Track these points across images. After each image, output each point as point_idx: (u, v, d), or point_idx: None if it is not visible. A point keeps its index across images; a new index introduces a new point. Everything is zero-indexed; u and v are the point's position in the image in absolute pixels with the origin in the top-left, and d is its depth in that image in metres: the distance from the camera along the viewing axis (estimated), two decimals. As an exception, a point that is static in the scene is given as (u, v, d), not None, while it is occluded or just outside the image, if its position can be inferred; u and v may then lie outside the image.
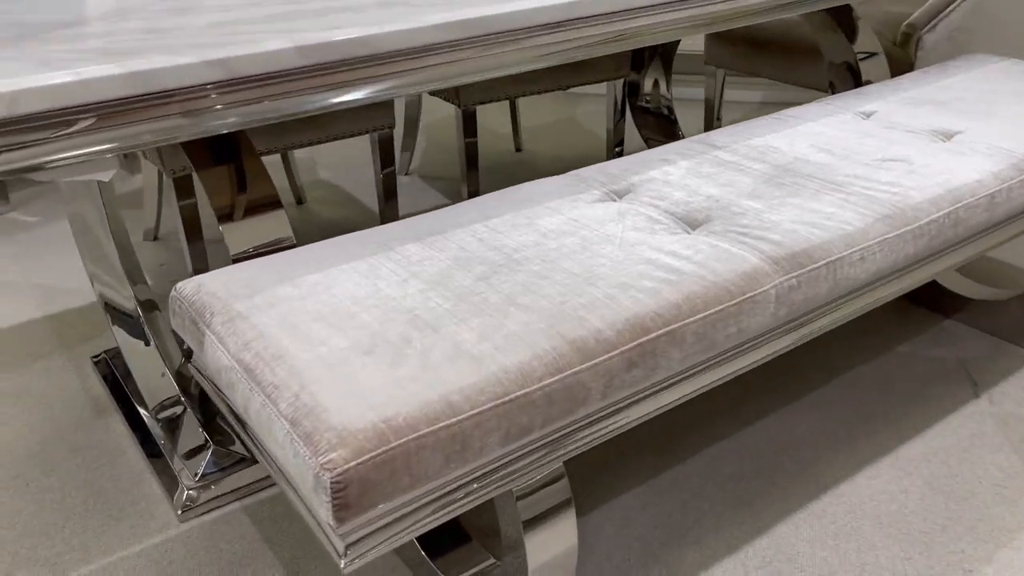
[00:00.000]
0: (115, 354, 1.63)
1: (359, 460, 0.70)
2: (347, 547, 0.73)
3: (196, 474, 1.29)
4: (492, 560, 1.11)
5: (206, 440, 1.34)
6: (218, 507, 1.28)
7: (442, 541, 1.14)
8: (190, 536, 1.23)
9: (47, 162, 0.82)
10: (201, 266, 1.66)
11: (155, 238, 2.14)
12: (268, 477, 1.31)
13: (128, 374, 1.54)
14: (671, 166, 1.20)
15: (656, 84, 2.14)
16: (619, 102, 2.13)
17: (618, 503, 1.26)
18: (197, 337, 0.91)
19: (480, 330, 0.83)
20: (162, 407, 1.43)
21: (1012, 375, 1.51)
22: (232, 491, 1.29)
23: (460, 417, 0.75)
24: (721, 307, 0.90)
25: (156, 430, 1.40)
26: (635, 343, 0.84)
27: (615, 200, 1.11)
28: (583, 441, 0.86)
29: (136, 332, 1.45)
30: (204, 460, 1.31)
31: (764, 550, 1.17)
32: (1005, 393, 1.47)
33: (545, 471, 0.87)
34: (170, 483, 1.30)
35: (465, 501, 0.79)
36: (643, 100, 2.18)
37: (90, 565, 1.18)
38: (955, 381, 1.50)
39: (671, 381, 0.90)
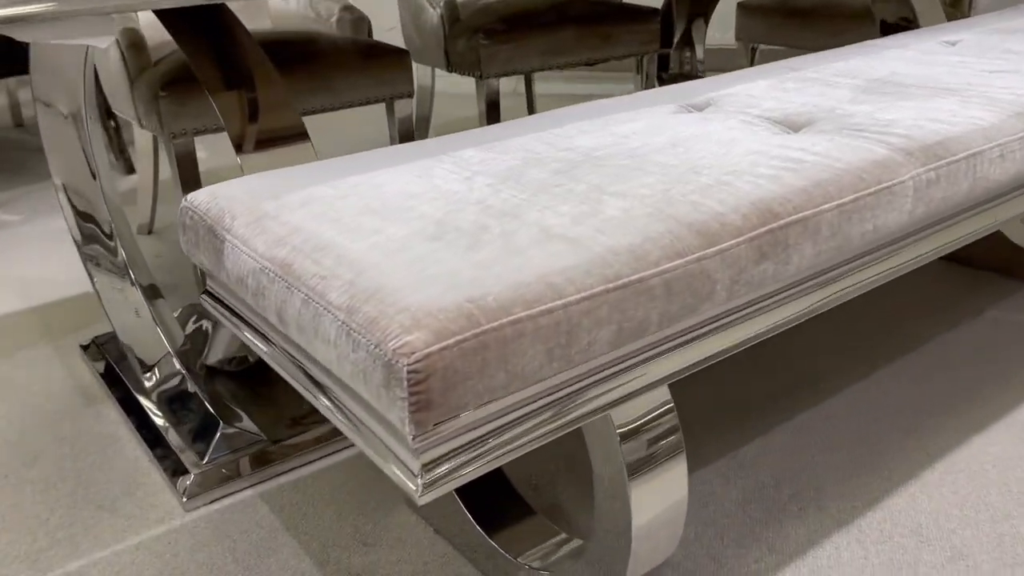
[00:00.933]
0: (107, 340, 1.44)
1: (443, 344, 0.53)
2: (424, 467, 0.55)
3: (203, 456, 1.11)
4: (564, 535, 0.93)
5: (214, 419, 1.15)
6: (230, 494, 1.09)
7: (499, 516, 0.96)
8: (197, 526, 1.04)
9: (31, 14, 0.66)
10: None
11: (149, 232, 1.97)
12: (288, 458, 1.13)
13: (122, 358, 1.36)
14: (750, 84, 1.05)
15: (687, 57, 2.01)
16: (648, 77, 1.99)
17: (696, 478, 1.08)
18: (214, 248, 0.74)
19: (572, 215, 0.67)
20: (163, 389, 1.24)
21: (1118, 338, 1.34)
22: (246, 475, 1.10)
23: (565, 301, 0.58)
24: (856, 195, 0.74)
25: (155, 413, 1.21)
26: (765, 228, 0.68)
27: (695, 111, 0.96)
28: (700, 354, 0.69)
29: (134, 313, 1.28)
30: (213, 441, 1.13)
31: (880, 524, 0.99)
32: (1117, 354, 1.30)
33: (656, 398, 0.70)
34: (173, 468, 1.12)
35: (566, 419, 0.61)
36: (673, 74, 2.05)
37: (78, 560, 0.99)
38: (1057, 345, 1.34)
39: (801, 285, 0.73)
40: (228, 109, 0.99)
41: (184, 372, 1.22)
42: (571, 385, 0.60)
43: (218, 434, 1.13)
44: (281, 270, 0.64)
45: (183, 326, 1.43)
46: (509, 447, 0.58)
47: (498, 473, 0.98)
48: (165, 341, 1.25)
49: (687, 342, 0.67)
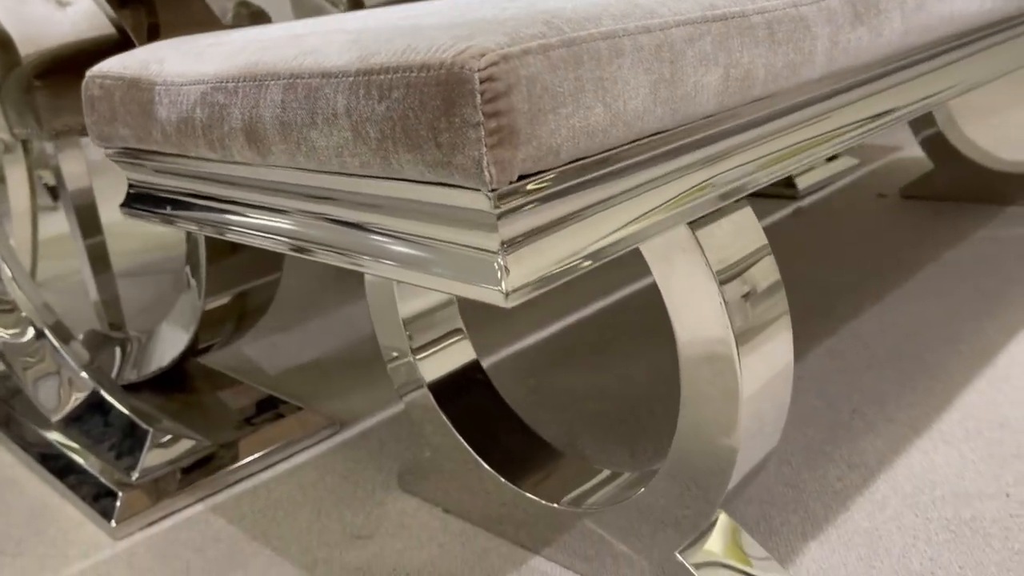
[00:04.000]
0: (-7, 380, 1.18)
1: (524, 46, 0.36)
2: (506, 245, 0.37)
3: (132, 472, 0.87)
4: (608, 471, 0.74)
5: (142, 429, 0.92)
6: (173, 512, 0.86)
7: (523, 467, 0.76)
8: (135, 553, 0.80)
9: None
10: (109, 296, 1.27)
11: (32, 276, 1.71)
12: (240, 463, 0.90)
13: (16, 393, 1.11)
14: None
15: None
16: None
17: (737, 415, 0.92)
18: (140, 104, 0.55)
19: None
20: (70, 412, 1.00)
21: (1115, 236, 1.28)
22: (190, 488, 0.87)
23: (662, 20, 0.42)
24: (931, -29, 0.62)
25: (63, 443, 0.97)
26: (854, -15, 0.54)
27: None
28: (799, 145, 0.54)
29: (28, 343, 1.04)
30: (143, 453, 0.89)
31: (963, 423, 0.85)
32: (1125, 246, 1.23)
33: (752, 237, 0.54)
34: (94, 494, 0.87)
35: (671, 196, 0.45)
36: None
37: (-26, 615, 0.74)
38: (1060, 247, 1.26)
39: (894, 72, 0.60)
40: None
41: (96, 385, 0.99)
42: (679, 135, 0.44)
43: (148, 444, 0.90)
44: (245, 74, 0.46)
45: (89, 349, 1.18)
46: (615, 232, 0.41)
47: (511, 416, 0.80)
48: (69, 359, 1.01)
49: (788, 128, 0.53)
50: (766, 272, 0.57)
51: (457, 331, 0.80)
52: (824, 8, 0.52)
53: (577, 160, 0.39)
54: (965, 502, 0.74)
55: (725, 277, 0.54)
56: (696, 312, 0.55)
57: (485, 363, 1.11)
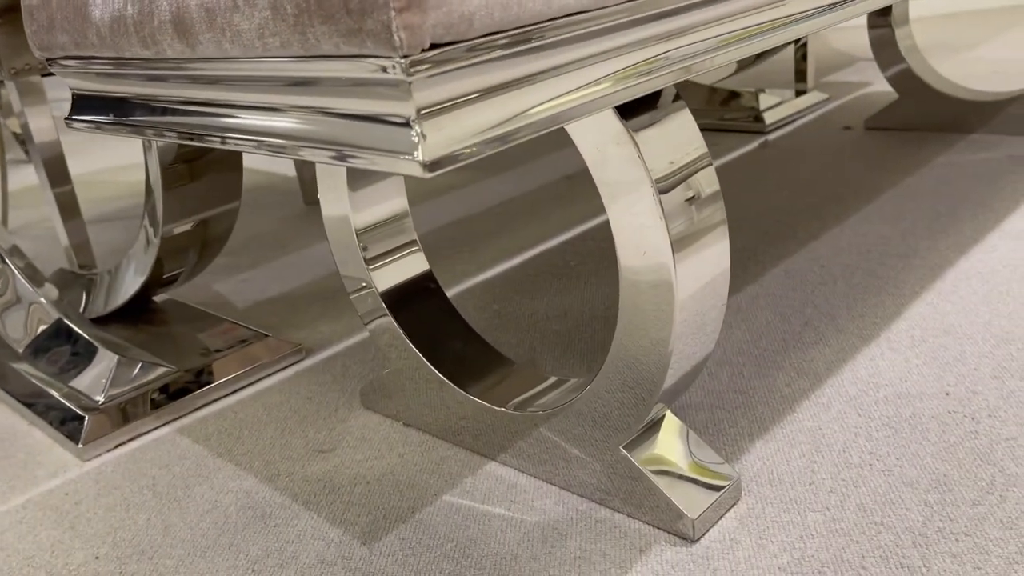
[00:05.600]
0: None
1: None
2: (422, 113, 0.38)
3: (99, 396, 0.89)
4: (555, 377, 0.76)
5: (109, 356, 0.93)
6: (140, 435, 0.88)
7: (476, 375, 0.78)
8: (103, 472, 0.82)
9: None
10: (79, 241, 1.27)
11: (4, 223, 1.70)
12: (207, 387, 0.92)
13: (-17, 330, 1.11)
14: None
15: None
16: None
17: (694, 331, 0.94)
18: (75, 9, 0.55)
19: None
20: (37, 342, 1.01)
21: (1072, 159, 1.30)
22: (156, 411, 0.89)
23: (578, -101, 0.42)
24: None
25: (31, 373, 0.98)
26: None
27: None
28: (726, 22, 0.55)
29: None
30: (108, 377, 0.91)
31: (909, 331, 0.88)
32: (1080, 167, 1.25)
33: (692, 142, 0.55)
34: (61, 418, 0.89)
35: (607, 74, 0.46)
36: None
37: (-56, 531, 0.76)
38: (1021, 170, 1.28)
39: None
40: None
41: (62, 316, 1.00)
42: (601, 23, 0.45)
43: (114, 369, 0.91)
44: (174, -37, 0.47)
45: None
46: (536, 108, 0.42)
47: (463, 326, 0.81)
48: (33, 290, 1.02)
49: (728, 15, 0.53)
50: (704, 177, 0.58)
51: (411, 243, 0.81)
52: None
53: (494, 33, 0.40)
54: (906, 402, 0.76)
55: (661, 176, 0.55)
56: (631, 211, 0.56)
57: (451, 292, 1.13)
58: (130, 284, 1.02)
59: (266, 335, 1.01)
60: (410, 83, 0.37)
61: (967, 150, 1.40)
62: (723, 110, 1.78)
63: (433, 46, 0.38)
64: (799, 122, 1.73)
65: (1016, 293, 0.92)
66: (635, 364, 0.62)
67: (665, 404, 0.67)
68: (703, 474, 0.67)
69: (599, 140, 0.55)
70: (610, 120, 0.54)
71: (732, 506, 0.66)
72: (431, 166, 0.38)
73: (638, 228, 0.56)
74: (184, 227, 0.94)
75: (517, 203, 1.45)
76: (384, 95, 0.39)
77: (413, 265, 0.81)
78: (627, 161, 0.55)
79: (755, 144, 1.62)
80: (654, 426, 0.68)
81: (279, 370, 0.98)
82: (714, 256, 0.59)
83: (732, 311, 0.97)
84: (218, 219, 0.96)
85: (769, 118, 1.71)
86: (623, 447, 0.66)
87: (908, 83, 1.55)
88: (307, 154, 0.44)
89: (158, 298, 1.14)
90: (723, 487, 0.66)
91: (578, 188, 1.49)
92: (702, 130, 1.80)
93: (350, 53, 0.39)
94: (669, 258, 0.55)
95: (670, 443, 0.68)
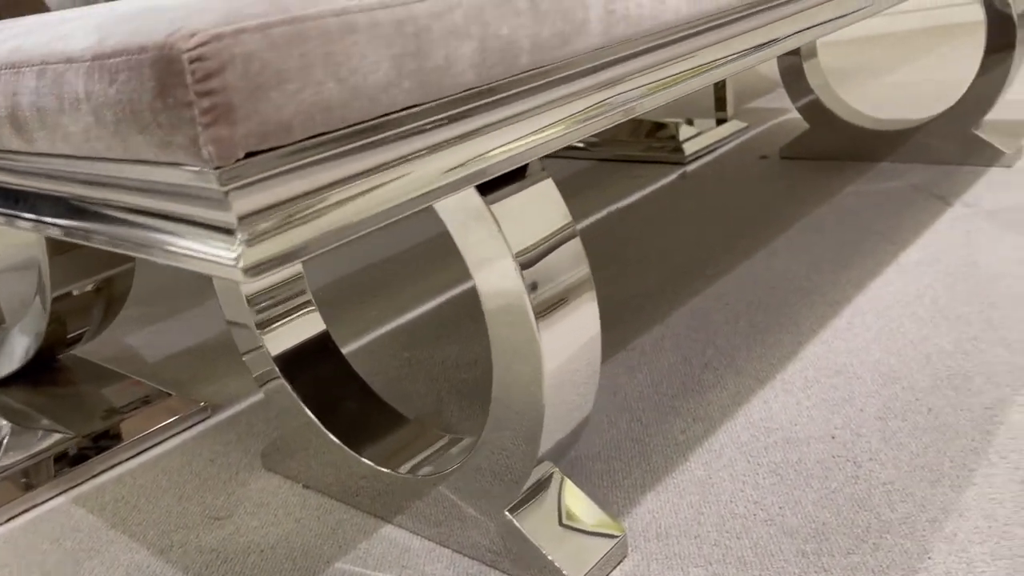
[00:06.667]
0: None
1: (239, 26, 0.37)
2: (244, 220, 0.38)
3: (-9, 468, 0.87)
4: (448, 436, 0.76)
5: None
6: (33, 506, 0.85)
7: (371, 436, 0.78)
8: (-9, 549, 0.80)
9: None
10: None
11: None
12: (106, 453, 0.90)
13: None
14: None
15: None
16: None
17: (600, 375, 0.95)
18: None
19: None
20: (-68, 412, 0.98)
21: (971, 186, 1.34)
22: (52, 481, 0.87)
23: (407, -4, 0.43)
24: (722, -62, 0.64)
25: (-75, 442, 0.95)
26: (631, -45, 0.56)
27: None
28: (577, 116, 0.56)
29: None
30: (0, 445, 0.88)
31: (803, 372, 0.89)
32: (977, 196, 1.29)
33: (555, 216, 0.56)
34: (-49, 492, 0.86)
35: (421, 169, 0.46)
36: None
37: None
38: (921, 200, 1.32)
39: (684, 39, 0.62)
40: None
41: (-43, 383, 0.97)
42: (428, 115, 0.45)
43: (8, 437, 0.89)
44: (6, 61, 0.46)
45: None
46: (362, 208, 0.42)
47: (361, 385, 0.81)
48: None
49: (564, 97, 0.54)
50: (568, 247, 0.58)
51: (305, 304, 0.81)
52: (596, -22, 0.53)
53: (321, 134, 0.41)
54: (794, 447, 0.78)
55: (522, 250, 0.55)
56: (495, 283, 0.56)
57: (364, 340, 1.12)
58: (26, 348, 1.00)
59: (170, 393, 1.00)
60: (225, 192, 0.37)
61: (875, 179, 1.44)
62: (647, 141, 1.81)
63: (250, 154, 0.38)
64: (718, 151, 1.77)
65: (906, 330, 0.94)
66: (512, 427, 0.62)
67: (551, 462, 0.68)
68: (590, 532, 0.67)
69: (460, 216, 0.56)
70: (470, 197, 0.55)
71: (618, 563, 0.67)
72: (251, 271, 0.38)
73: (503, 299, 0.57)
74: (78, 289, 0.93)
75: (434, 244, 1.46)
76: (204, 202, 0.39)
77: (308, 326, 0.81)
78: (488, 236, 0.55)
79: (674, 176, 1.65)
80: (542, 485, 0.68)
81: (183, 430, 0.96)
82: (582, 323, 0.60)
83: (637, 354, 0.98)
84: (114, 279, 0.95)
85: (688, 148, 1.74)
86: (508, 509, 0.66)
87: (818, 114, 1.58)
88: (140, 252, 0.43)
89: (64, 355, 1.12)
90: (610, 545, 0.66)
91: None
92: (625, 162, 1.83)
93: (168, 161, 0.39)
94: (534, 331, 0.56)
95: (558, 502, 0.68)
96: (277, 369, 0.78)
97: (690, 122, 1.86)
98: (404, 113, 0.44)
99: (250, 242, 0.38)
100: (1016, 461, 0.72)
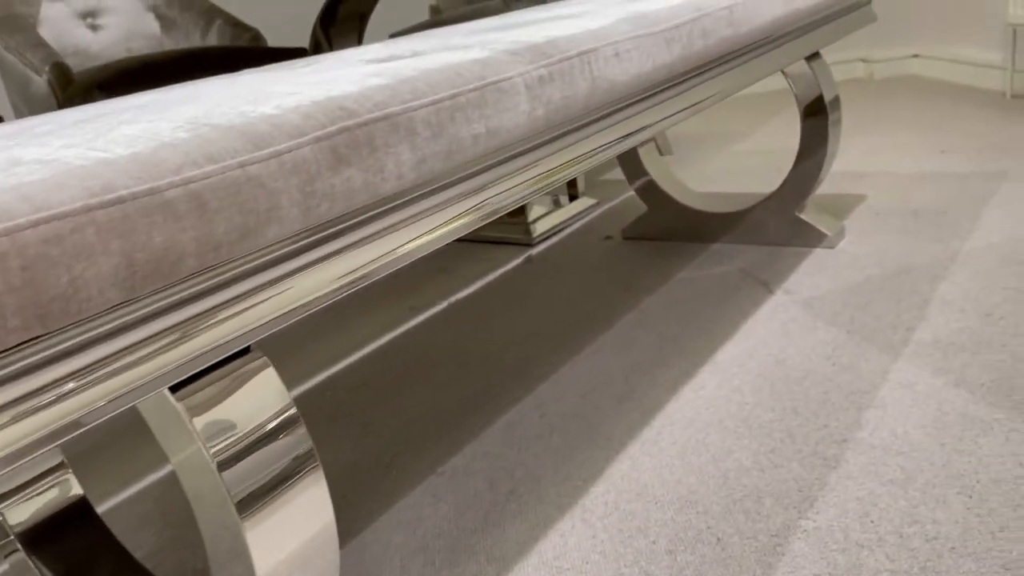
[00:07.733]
0: None
1: None
2: None
3: None
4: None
5: None
6: None
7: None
8: None
9: None
10: None
11: None
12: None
13: None
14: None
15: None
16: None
17: (402, 506, 0.91)
18: None
19: (66, 144, 0.48)
20: None
21: (793, 270, 1.37)
22: None
23: (12, 224, 0.39)
24: (455, 92, 0.62)
25: None
26: (337, 127, 0.54)
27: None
28: (287, 302, 0.52)
29: None
30: None
31: (604, 496, 0.87)
32: (798, 282, 1.32)
33: (271, 400, 0.52)
34: None
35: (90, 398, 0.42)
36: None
37: None
38: (746, 287, 1.33)
39: (412, 203, 0.60)
40: None
41: None
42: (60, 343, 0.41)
43: None
44: None
45: None
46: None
47: (117, 552, 0.75)
48: None
49: (273, 281, 0.51)
50: (289, 436, 0.54)
51: (58, 467, 0.74)
52: (287, 161, 0.50)
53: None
54: (582, 589, 0.75)
55: (219, 449, 0.51)
56: (198, 487, 0.52)
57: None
58: None
59: (-67, 552, 0.90)
60: None
61: (707, 263, 1.46)
62: (499, 221, 1.80)
63: None
64: (566, 231, 1.77)
65: (710, 443, 0.94)
66: (247, 624, 0.57)
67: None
68: None
69: (157, 417, 0.51)
70: (163, 399, 0.50)
71: None
72: None
73: (208, 502, 0.52)
74: None
75: (295, 327, 1.40)
76: None
77: (59, 493, 0.74)
78: (184, 438, 0.51)
79: (520, 259, 1.64)
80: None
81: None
82: (306, 513, 0.56)
83: (445, 479, 0.95)
84: None
85: (537, 229, 1.74)
86: None
87: (655, 195, 1.60)
88: None
89: None
90: None
91: (359, 297, 1.46)
92: (477, 242, 1.81)
93: None
94: (241, 532, 0.52)
95: None
96: (20, 544, 0.71)
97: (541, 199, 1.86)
98: (26, 347, 0.39)
99: None
100: (794, 598, 0.71)
